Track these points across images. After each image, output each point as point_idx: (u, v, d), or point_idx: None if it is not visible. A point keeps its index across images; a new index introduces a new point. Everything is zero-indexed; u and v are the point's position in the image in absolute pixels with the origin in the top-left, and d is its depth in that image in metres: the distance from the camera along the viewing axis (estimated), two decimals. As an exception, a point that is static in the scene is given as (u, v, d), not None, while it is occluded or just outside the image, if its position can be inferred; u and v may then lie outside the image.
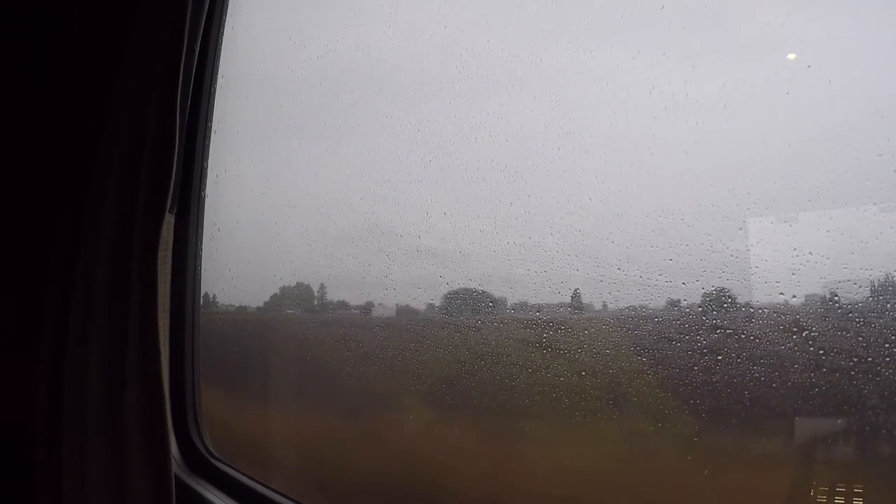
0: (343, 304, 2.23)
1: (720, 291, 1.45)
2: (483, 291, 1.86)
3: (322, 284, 2.26)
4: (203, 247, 2.12)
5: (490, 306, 1.86)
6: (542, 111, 1.74)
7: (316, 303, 2.30)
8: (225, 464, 2.00)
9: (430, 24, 1.90)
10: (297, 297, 2.32)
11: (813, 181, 1.36)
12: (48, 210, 1.83)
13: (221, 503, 1.85)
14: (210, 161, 2.11)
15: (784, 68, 1.40)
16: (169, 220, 1.78)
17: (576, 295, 1.67)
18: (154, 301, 1.66)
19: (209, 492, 1.89)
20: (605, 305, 1.64)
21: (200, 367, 2.11)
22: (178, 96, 1.68)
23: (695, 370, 1.51)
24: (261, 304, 2.43)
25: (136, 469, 1.64)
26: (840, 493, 1.32)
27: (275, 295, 2.37)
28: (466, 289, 1.89)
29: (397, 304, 2.04)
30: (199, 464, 1.99)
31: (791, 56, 1.40)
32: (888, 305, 1.27)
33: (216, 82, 2.09)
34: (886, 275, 1.27)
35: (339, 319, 2.23)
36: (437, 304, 1.95)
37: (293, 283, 2.33)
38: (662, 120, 1.53)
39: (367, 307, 2.12)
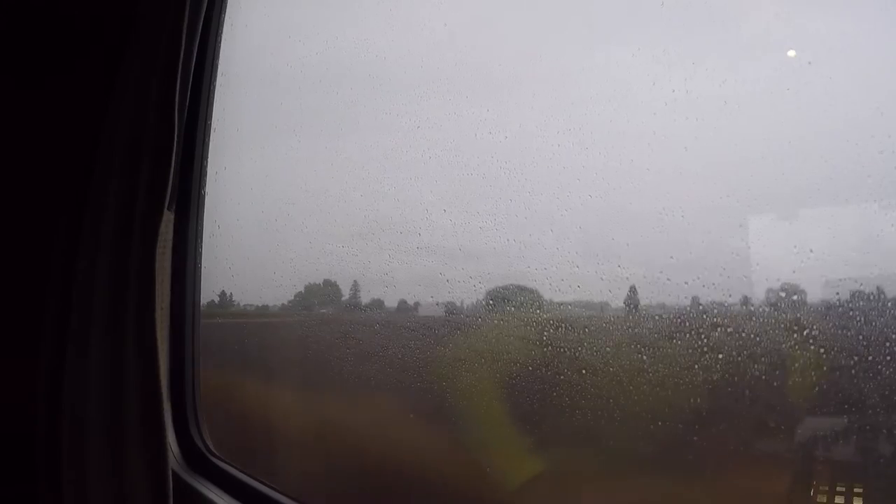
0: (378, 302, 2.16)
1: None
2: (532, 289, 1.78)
3: (338, 283, 2.23)
4: (203, 244, 2.13)
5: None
6: (541, 108, 1.73)
7: (317, 301, 2.30)
8: (225, 462, 2.01)
9: (430, 22, 1.90)
10: (304, 295, 2.31)
11: (814, 178, 1.35)
12: (48, 209, 1.83)
13: (222, 501, 1.85)
14: (210, 159, 2.11)
15: (784, 65, 1.39)
16: (168, 217, 1.78)
17: (632, 290, 1.62)
18: (152, 299, 1.66)
19: (209, 490, 1.89)
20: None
21: (200, 366, 2.12)
22: (177, 94, 1.68)
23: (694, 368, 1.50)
24: (261, 303, 2.43)
25: (135, 467, 1.65)
26: (840, 493, 1.32)
27: (277, 294, 2.36)
28: (517, 285, 1.82)
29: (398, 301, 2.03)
30: (199, 462, 2.00)
31: (791, 53, 1.39)
32: (889, 304, 1.26)
33: (215, 80, 2.09)
34: (888, 273, 1.26)
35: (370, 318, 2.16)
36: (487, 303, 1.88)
37: (306, 282, 2.30)
38: (662, 116, 1.52)
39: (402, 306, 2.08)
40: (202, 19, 1.88)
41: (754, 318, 1.42)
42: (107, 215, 1.72)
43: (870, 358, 1.27)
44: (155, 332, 1.65)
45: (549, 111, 1.72)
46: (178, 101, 1.69)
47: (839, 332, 1.33)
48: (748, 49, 1.46)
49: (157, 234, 1.68)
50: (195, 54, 1.90)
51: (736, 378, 1.45)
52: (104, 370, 1.68)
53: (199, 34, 1.87)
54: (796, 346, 1.37)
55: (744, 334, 1.43)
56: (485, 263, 1.85)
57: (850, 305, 1.30)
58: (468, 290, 1.86)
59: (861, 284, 1.28)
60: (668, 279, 1.53)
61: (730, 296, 1.45)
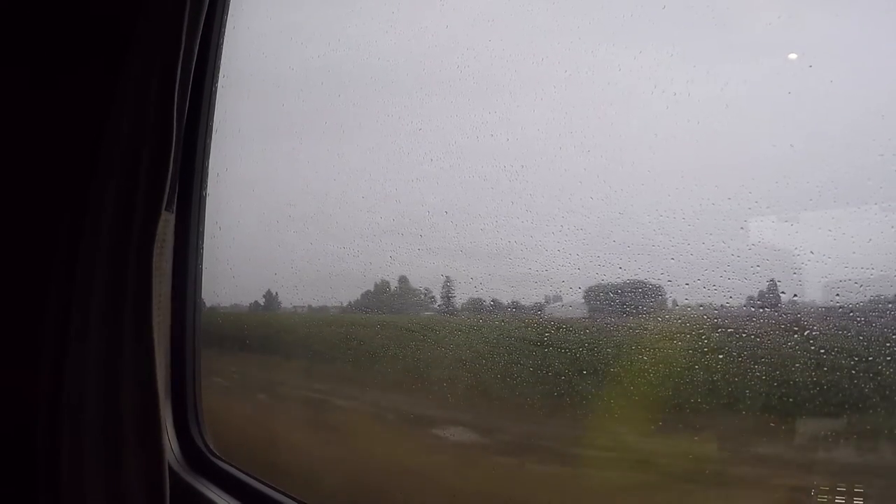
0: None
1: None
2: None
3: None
4: (204, 246, 2.13)
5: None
6: (543, 110, 1.74)
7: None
8: (225, 462, 2.01)
9: (432, 24, 1.90)
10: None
11: (814, 181, 1.36)
12: (49, 210, 1.83)
13: (223, 502, 1.85)
14: (211, 160, 2.11)
15: (785, 68, 1.41)
16: (167, 218, 1.78)
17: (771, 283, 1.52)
18: (149, 299, 1.66)
19: (210, 490, 1.89)
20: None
21: (201, 366, 2.12)
22: (177, 95, 1.68)
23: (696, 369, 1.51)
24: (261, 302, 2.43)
25: (133, 467, 1.65)
26: (840, 494, 1.32)
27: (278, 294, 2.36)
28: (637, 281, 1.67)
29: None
30: (199, 462, 2.00)
31: (792, 56, 1.40)
32: (889, 305, 1.27)
33: (217, 81, 2.09)
34: (888, 274, 1.27)
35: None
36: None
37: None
38: (664, 119, 1.53)
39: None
40: (203, 19, 1.88)
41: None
42: (106, 216, 1.72)
43: (870, 359, 1.28)
44: (152, 331, 1.65)
45: (551, 114, 1.73)
46: (177, 102, 1.69)
47: (839, 332, 1.34)
48: (749, 52, 1.47)
49: (155, 235, 1.68)
50: (196, 55, 1.89)
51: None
52: (102, 371, 1.68)
53: (200, 34, 1.87)
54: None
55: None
56: (486, 265, 1.86)
57: (850, 306, 1.31)
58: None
59: (861, 286, 1.29)
60: (670, 281, 1.55)
61: (731, 297, 1.46)
